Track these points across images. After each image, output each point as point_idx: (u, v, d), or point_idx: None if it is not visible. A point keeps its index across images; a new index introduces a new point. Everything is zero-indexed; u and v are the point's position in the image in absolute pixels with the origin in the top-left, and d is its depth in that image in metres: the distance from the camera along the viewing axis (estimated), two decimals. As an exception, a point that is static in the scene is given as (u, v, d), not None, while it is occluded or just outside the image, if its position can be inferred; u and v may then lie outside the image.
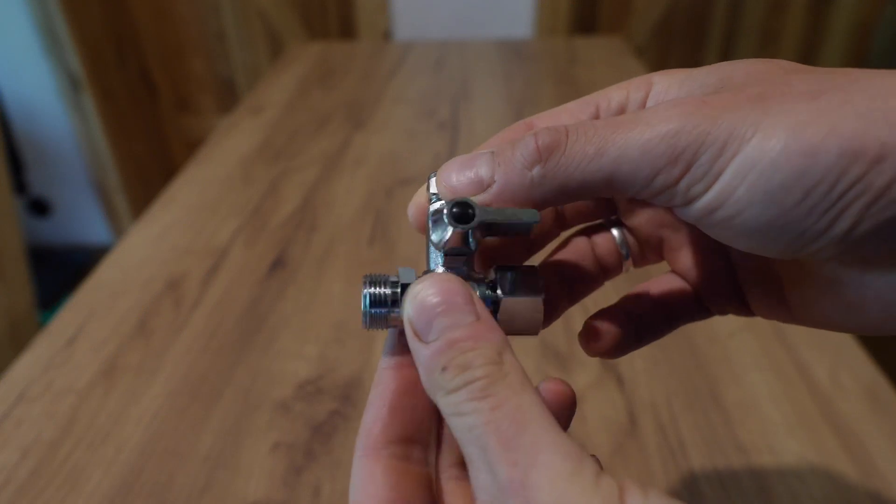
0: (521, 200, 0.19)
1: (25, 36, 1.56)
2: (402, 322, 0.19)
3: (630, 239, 0.24)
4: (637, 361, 0.48)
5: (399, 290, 0.19)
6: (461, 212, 0.18)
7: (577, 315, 0.52)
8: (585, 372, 0.47)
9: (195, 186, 0.75)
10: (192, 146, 1.78)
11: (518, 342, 0.47)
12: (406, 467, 0.19)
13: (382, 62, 1.14)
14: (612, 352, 0.23)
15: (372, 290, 0.20)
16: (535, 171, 0.18)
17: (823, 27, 1.61)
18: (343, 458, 0.41)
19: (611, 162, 0.17)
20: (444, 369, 0.16)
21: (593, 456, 0.16)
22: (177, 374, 0.48)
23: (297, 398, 0.45)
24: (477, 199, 0.18)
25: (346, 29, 1.69)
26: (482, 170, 0.19)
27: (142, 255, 0.62)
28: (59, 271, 1.73)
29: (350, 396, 0.45)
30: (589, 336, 0.23)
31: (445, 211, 0.18)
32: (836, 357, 0.47)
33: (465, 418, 0.15)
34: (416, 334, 0.17)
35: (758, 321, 0.51)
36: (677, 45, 1.66)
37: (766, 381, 0.45)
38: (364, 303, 0.20)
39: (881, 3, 1.56)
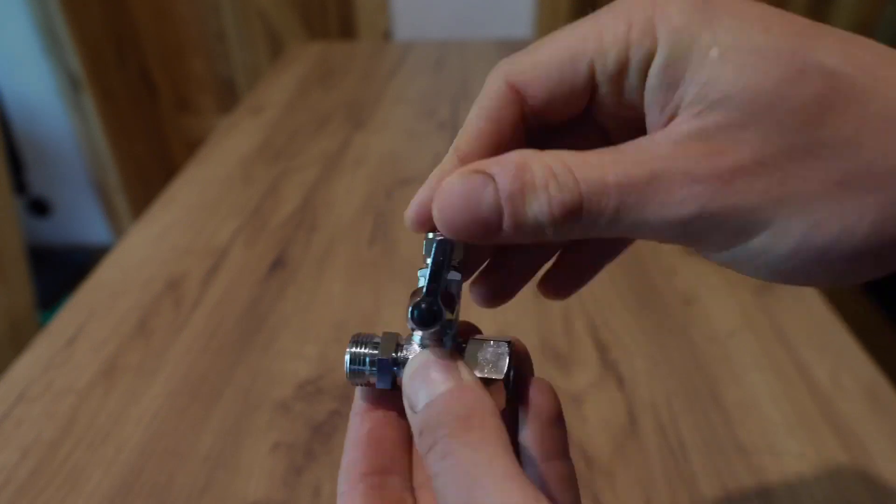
0: (533, 244, 0.19)
1: (25, 36, 1.56)
2: (376, 380, 0.21)
3: None
4: (637, 361, 0.48)
5: (376, 354, 0.21)
6: (426, 314, 0.19)
7: (577, 314, 0.52)
8: (585, 372, 0.47)
9: (195, 186, 0.75)
10: (192, 146, 1.78)
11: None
12: (381, 493, 0.20)
13: (382, 62, 1.14)
14: (564, 294, 0.24)
15: (354, 349, 0.21)
16: (549, 231, 0.17)
17: (823, 27, 1.61)
18: (343, 458, 0.41)
19: (625, 229, 0.17)
20: (420, 433, 0.17)
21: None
22: (177, 374, 0.48)
23: (297, 398, 0.45)
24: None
25: (346, 29, 1.69)
26: (488, 213, 0.17)
27: (142, 255, 0.62)
28: (59, 271, 1.73)
29: (350, 396, 0.45)
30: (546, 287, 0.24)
31: (409, 312, 0.19)
32: (836, 357, 0.47)
33: (436, 479, 0.16)
34: (410, 407, 0.19)
35: (758, 321, 0.51)
36: (677, 45, 1.66)
37: (766, 381, 0.45)
38: (346, 360, 0.21)
39: (881, 3, 1.56)
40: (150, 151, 1.87)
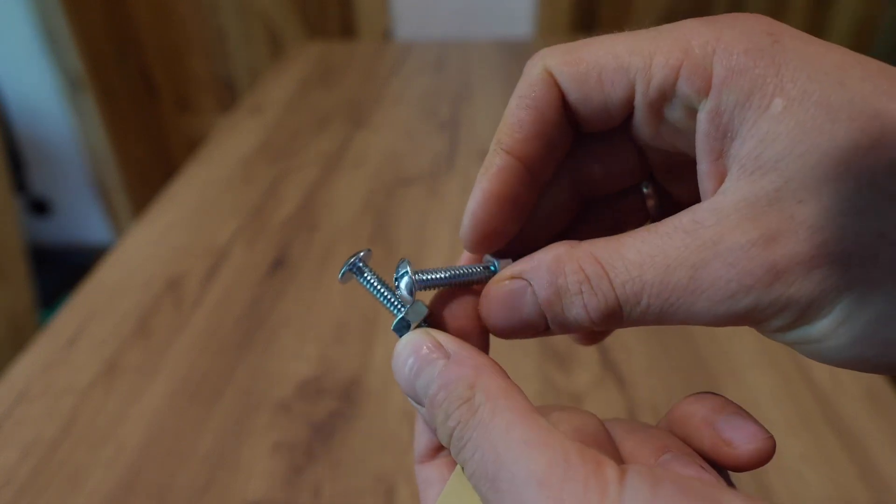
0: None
1: (25, 36, 1.56)
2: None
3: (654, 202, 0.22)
4: (637, 360, 0.48)
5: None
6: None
7: (577, 315, 0.52)
8: (585, 372, 0.47)
9: (195, 186, 0.75)
10: (192, 146, 1.78)
11: (518, 342, 0.47)
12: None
13: (382, 62, 1.14)
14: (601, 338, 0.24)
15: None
16: (594, 327, 0.17)
17: (823, 27, 1.61)
18: (343, 458, 0.41)
19: (678, 322, 0.16)
20: (436, 431, 0.17)
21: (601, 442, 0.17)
22: (177, 374, 0.48)
23: (297, 398, 0.45)
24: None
25: (346, 29, 1.69)
26: (530, 318, 0.18)
27: (142, 255, 0.62)
28: (59, 271, 1.73)
29: (350, 396, 0.45)
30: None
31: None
32: (836, 357, 0.47)
33: (466, 468, 0.16)
34: (416, 402, 0.18)
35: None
36: (677, 45, 1.66)
37: (766, 380, 0.45)
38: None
39: (881, 3, 1.56)
40: (150, 151, 1.87)
